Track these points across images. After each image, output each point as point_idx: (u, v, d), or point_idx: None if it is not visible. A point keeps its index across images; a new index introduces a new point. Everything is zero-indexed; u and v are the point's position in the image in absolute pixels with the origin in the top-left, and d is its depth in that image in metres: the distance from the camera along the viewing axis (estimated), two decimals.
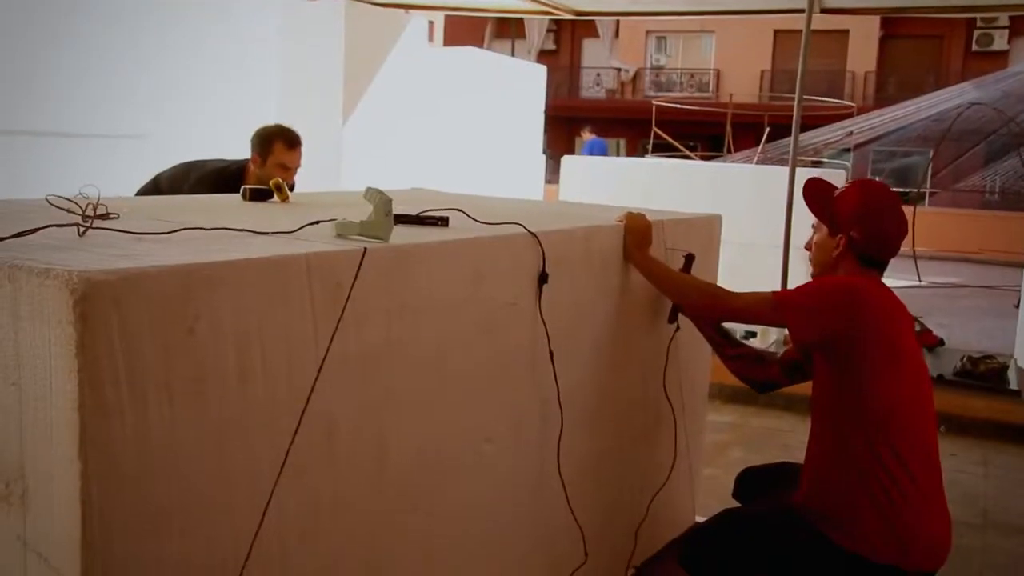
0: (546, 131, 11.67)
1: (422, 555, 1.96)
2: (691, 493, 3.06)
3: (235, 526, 1.53)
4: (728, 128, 12.64)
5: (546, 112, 10.90)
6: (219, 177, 3.52)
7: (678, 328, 2.86)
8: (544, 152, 11.12)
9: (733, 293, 2.46)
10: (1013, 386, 5.17)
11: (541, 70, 11.38)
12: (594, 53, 27.49)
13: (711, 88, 25.68)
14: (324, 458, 1.68)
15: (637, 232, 2.53)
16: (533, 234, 2.15)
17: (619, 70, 26.80)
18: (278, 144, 3.61)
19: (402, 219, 2.09)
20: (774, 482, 2.71)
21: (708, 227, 3.05)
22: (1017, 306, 9.80)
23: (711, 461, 4.01)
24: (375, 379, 1.77)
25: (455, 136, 8.45)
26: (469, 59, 10.26)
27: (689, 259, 2.82)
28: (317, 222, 1.95)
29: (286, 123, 3.77)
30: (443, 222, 2.11)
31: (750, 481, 2.81)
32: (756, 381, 2.77)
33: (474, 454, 2.06)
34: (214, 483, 1.48)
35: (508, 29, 24.13)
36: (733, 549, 2.34)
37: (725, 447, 4.27)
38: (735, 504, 2.78)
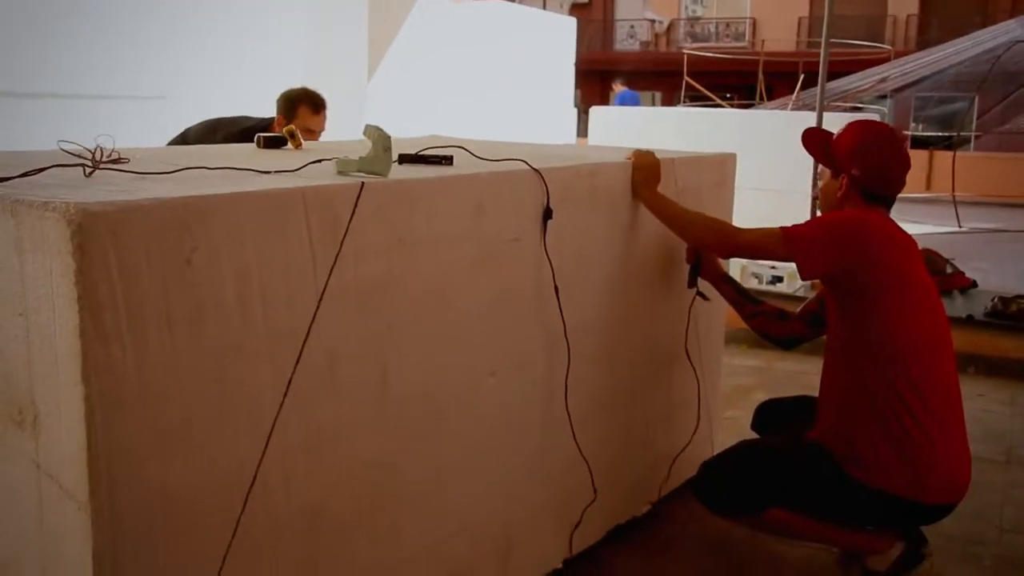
0: (579, 85, 11.56)
1: (426, 486, 2.01)
2: (710, 433, 3.08)
3: (239, 452, 1.59)
4: (760, 76, 12.45)
5: (578, 66, 10.80)
6: (246, 136, 3.56)
7: (699, 293, 2.86)
8: (576, 106, 11.05)
9: (741, 229, 2.47)
10: None
11: (571, 22, 11.26)
12: (627, 5, 27.07)
13: (747, 37, 25.22)
14: (326, 389, 1.73)
15: (645, 169, 2.53)
16: (536, 170, 2.16)
17: (653, 21, 26.41)
18: (303, 108, 3.64)
19: (405, 159, 2.11)
20: (793, 415, 2.73)
21: (720, 166, 3.04)
22: None
23: (733, 403, 4.03)
24: (376, 312, 1.81)
25: (484, 90, 8.42)
26: (496, 12, 10.19)
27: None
28: (319, 160, 1.99)
29: (311, 84, 3.80)
30: (447, 161, 2.13)
31: (769, 413, 2.84)
32: (779, 338, 2.79)
33: (477, 387, 2.10)
34: (216, 410, 1.54)
35: None
36: (748, 479, 2.37)
37: (749, 390, 4.28)
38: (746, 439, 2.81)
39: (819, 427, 2.45)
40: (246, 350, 1.58)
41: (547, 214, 2.20)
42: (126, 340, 1.40)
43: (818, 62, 6.55)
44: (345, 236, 1.72)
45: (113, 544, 1.42)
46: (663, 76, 22.89)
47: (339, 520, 1.80)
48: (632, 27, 27.03)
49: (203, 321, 1.50)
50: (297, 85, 3.80)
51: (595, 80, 21.73)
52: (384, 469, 1.89)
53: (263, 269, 1.58)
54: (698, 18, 26.55)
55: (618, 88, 13.66)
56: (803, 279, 2.40)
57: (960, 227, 10.12)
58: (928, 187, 12.30)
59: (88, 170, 1.70)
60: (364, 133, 1.91)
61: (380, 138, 1.87)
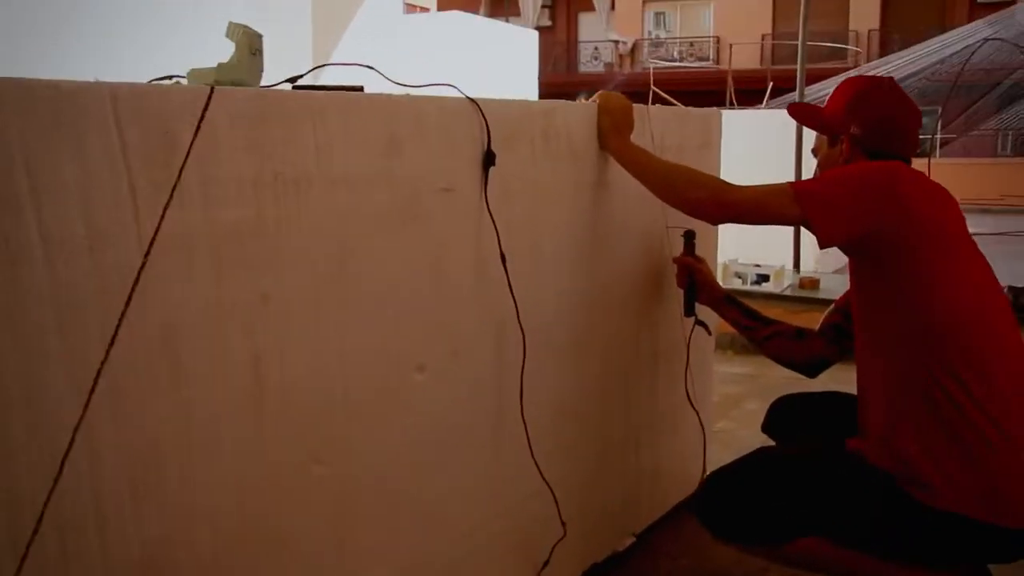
0: None
1: (326, 523, 1.45)
2: (702, 446, 2.55)
3: (13, 484, 1.04)
4: (729, 81, 12.12)
5: (543, 88, 10.47)
6: None
7: (698, 322, 2.38)
8: None
9: (738, 185, 1.95)
10: None
11: (533, 35, 10.97)
12: (591, 27, 26.82)
13: (711, 57, 25.04)
14: (162, 386, 1.19)
15: (614, 112, 2.02)
16: (472, 100, 1.64)
17: (617, 43, 26.16)
18: None
19: (300, 89, 1.58)
20: (820, 416, 2.18)
21: (705, 123, 2.53)
22: None
23: (724, 414, 3.51)
24: (242, 275, 1.27)
25: None
26: (455, 24, 9.81)
27: (689, 237, 2.31)
28: (170, 77, 1.46)
29: None
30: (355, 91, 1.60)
31: (788, 412, 2.27)
32: (801, 363, 2.23)
33: (398, 386, 1.55)
34: None
35: (501, 8, 23.54)
36: (771, 499, 1.81)
37: (740, 399, 3.76)
38: (761, 445, 2.26)
39: (861, 437, 1.90)
40: (20, 322, 1.03)
41: (488, 159, 1.68)
42: None
43: (785, 77, 6.37)
44: (186, 162, 1.19)
45: None
46: (628, 95, 22.58)
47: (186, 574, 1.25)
48: (596, 49, 26.75)
49: None
50: None
51: None
52: (258, 501, 1.34)
53: (43, 204, 1.04)
54: (662, 42, 26.38)
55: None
56: (823, 246, 1.86)
57: None
58: None
59: None
60: (227, 34, 1.38)
61: (246, 37, 1.35)
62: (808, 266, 5.78)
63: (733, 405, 3.66)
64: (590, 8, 26.32)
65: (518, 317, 1.74)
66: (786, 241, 5.67)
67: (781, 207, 1.85)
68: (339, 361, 1.43)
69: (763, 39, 24.08)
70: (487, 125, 1.66)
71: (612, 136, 2.00)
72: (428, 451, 1.63)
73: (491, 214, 1.68)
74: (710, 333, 2.48)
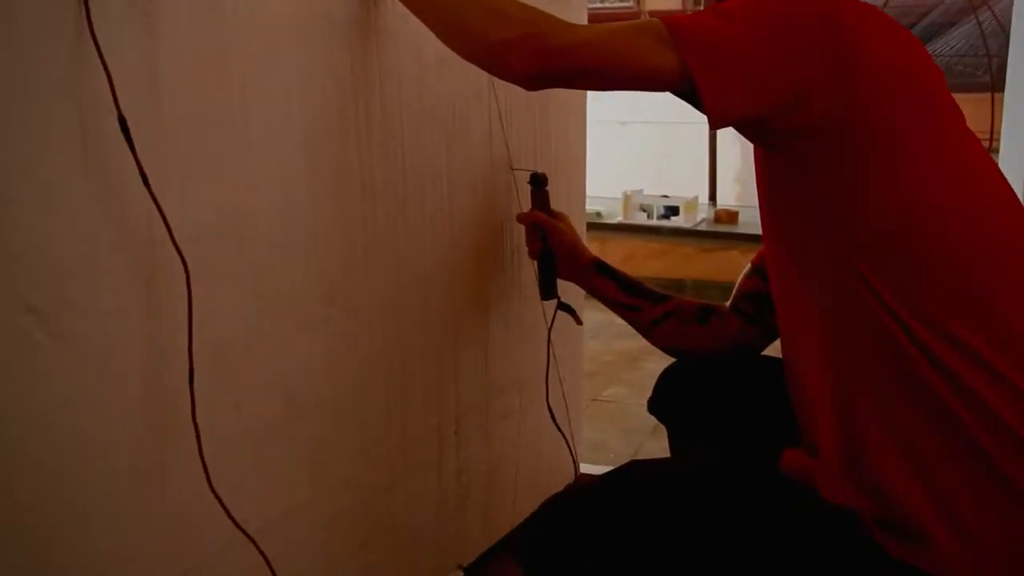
0: None
1: None
2: (568, 431, 1.83)
3: None
4: (645, 14, 11.48)
5: None
6: None
7: (561, 306, 1.61)
8: None
9: (576, 24, 1.18)
10: None
11: None
12: None
13: None
14: None
15: None
16: None
17: None
18: None
19: None
20: (738, 390, 1.44)
21: None
22: None
23: (614, 378, 2.82)
24: None
25: None
26: None
27: (538, 183, 1.57)
28: None
29: None
30: None
31: (688, 384, 1.48)
32: (707, 351, 1.45)
33: None
34: None
35: None
36: (635, 552, 1.08)
37: (636, 357, 3.04)
38: (651, 437, 1.52)
39: (803, 450, 1.16)
40: None
41: None
42: None
43: None
44: None
45: None
46: None
47: None
48: None
49: None
50: None
51: None
52: None
53: None
54: None
55: None
56: (717, 122, 1.12)
57: None
58: None
59: None
60: None
61: None
62: (727, 198, 5.10)
63: (628, 365, 2.96)
64: None
65: (172, 237, 0.96)
66: (701, 167, 4.97)
67: (642, 55, 1.08)
68: None
69: None
70: None
71: None
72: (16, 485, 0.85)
73: (97, 44, 0.89)
74: (579, 321, 1.72)
